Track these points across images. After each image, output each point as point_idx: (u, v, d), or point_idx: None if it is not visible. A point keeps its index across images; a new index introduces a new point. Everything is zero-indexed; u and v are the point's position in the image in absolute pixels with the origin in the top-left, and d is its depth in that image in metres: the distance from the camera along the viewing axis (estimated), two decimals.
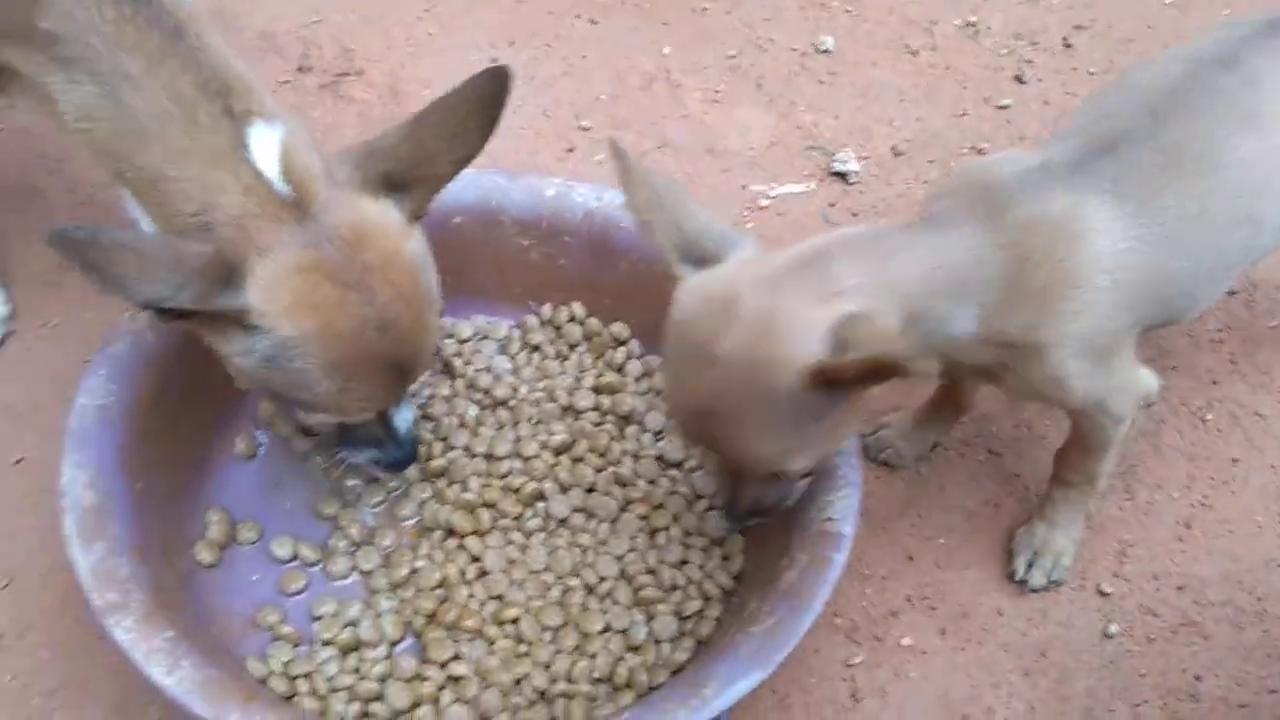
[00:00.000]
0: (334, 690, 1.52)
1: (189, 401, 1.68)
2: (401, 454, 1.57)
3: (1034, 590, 1.74)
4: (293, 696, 1.50)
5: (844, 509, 1.57)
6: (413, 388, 1.59)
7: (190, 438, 1.69)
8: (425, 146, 1.39)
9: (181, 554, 1.61)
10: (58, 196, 2.04)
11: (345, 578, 1.66)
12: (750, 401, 1.31)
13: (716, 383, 1.30)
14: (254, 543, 1.68)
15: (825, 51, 2.57)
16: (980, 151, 2.40)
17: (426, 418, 1.80)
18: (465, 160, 1.41)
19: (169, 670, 1.35)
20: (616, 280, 1.90)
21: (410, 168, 1.39)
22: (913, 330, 1.33)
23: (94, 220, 2.01)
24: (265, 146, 1.34)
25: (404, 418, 1.55)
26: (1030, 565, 1.73)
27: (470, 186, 1.88)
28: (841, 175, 2.33)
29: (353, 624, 1.59)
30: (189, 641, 1.40)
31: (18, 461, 1.76)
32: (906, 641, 1.71)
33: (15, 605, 1.63)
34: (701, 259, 1.39)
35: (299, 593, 1.64)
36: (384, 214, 1.39)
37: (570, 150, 2.31)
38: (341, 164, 1.39)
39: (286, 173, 1.33)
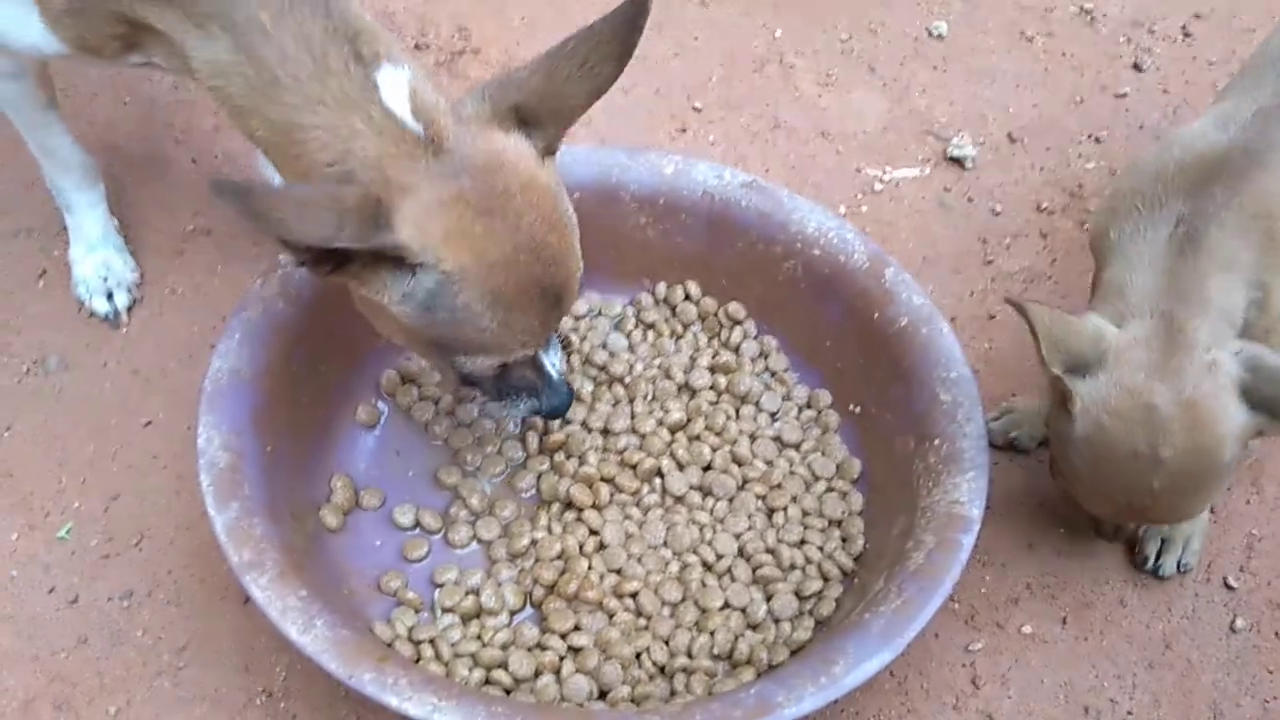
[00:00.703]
0: (458, 656, 1.53)
1: (314, 369, 1.70)
2: (560, 399, 1.54)
3: (1163, 577, 1.70)
4: (418, 660, 1.51)
5: (972, 491, 1.55)
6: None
7: (315, 404, 1.71)
8: (557, 77, 1.36)
9: (308, 517, 1.63)
10: (183, 166, 2.08)
11: (465, 546, 1.68)
12: (1202, 480, 1.47)
13: (1167, 479, 1.45)
14: (377, 509, 1.70)
15: (939, 36, 2.53)
16: (1098, 140, 2.35)
17: None
18: (598, 91, 1.39)
19: (304, 629, 1.37)
20: (733, 260, 1.89)
21: (541, 99, 1.37)
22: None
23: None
24: (395, 87, 1.33)
25: (554, 361, 1.53)
26: (1160, 552, 1.70)
27: (589, 162, 1.89)
28: (957, 160, 2.30)
29: (474, 592, 1.60)
30: (321, 601, 1.42)
31: (147, 424, 1.79)
32: (1027, 629, 1.68)
33: (147, 563, 1.66)
34: (1076, 363, 1.48)
35: (420, 560, 1.66)
36: (515, 144, 1.37)
37: (683, 130, 2.30)
38: (473, 98, 1.38)
39: (416, 111, 1.33)
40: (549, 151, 1.42)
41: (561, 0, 2.49)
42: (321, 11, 1.33)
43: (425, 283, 1.32)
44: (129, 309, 1.89)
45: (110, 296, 1.87)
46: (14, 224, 1.96)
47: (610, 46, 1.36)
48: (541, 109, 1.37)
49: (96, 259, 1.87)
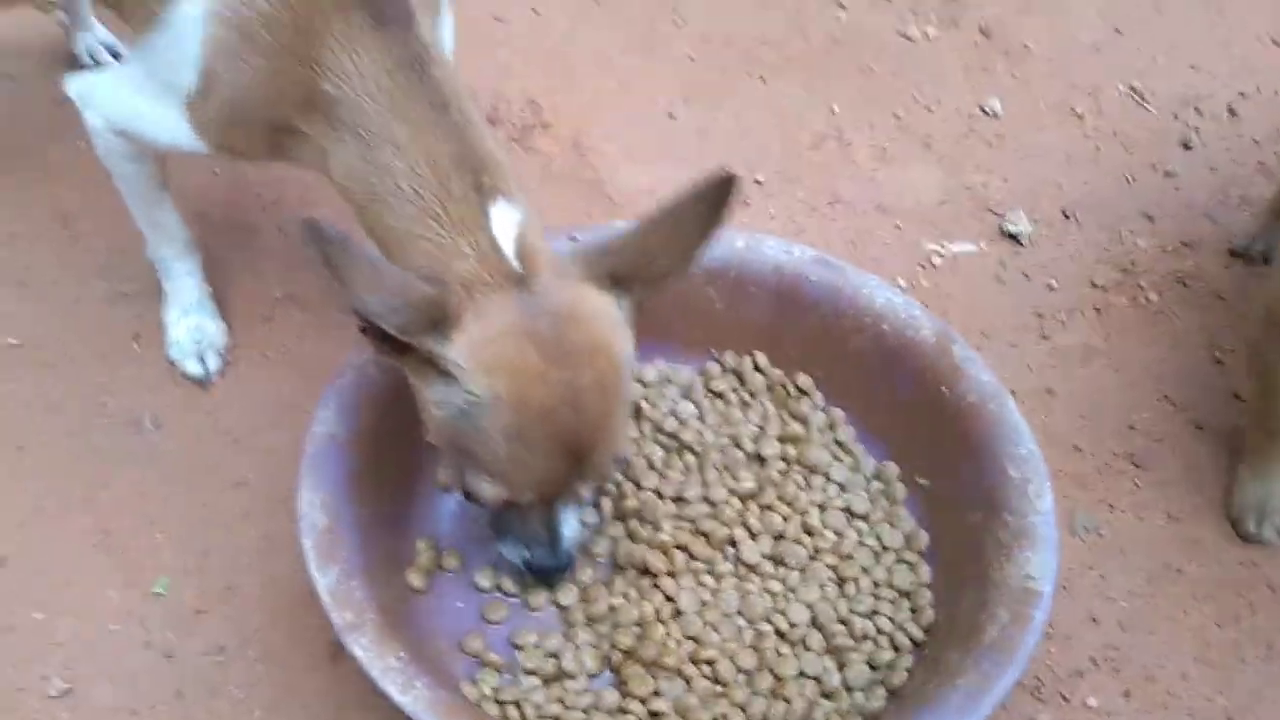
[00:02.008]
0: (542, 718, 1.57)
1: (400, 433, 1.75)
2: (554, 562, 1.58)
3: (1266, 543, 1.82)
4: None
5: (1043, 567, 1.59)
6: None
7: (401, 467, 1.77)
8: (648, 245, 1.44)
9: (395, 578, 1.68)
10: (271, 235, 2.16)
11: (543, 610, 1.72)
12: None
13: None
14: (457, 571, 1.75)
15: (992, 113, 2.61)
16: (1150, 218, 2.42)
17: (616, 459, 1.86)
18: (684, 261, 1.45)
19: (403, 689, 1.42)
20: (801, 332, 1.95)
21: (633, 264, 1.44)
22: None
23: (303, 256, 2.13)
24: (505, 222, 1.41)
25: (569, 524, 1.56)
26: (1260, 521, 1.76)
27: None
28: (1012, 236, 2.36)
29: (554, 655, 1.65)
30: (418, 664, 1.47)
31: (236, 484, 1.86)
32: (1092, 702, 1.72)
33: (237, 619, 1.72)
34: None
35: (500, 622, 1.71)
36: (602, 305, 1.43)
37: (745, 204, 2.37)
38: (573, 257, 1.46)
39: (520, 250, 1.41)
40: (637, 309, 1.47)
41: (625, 77, 2.58)
42: (454, 137, 1.42)
43: (458, 397, 1.39)
44: (219, 372, 1.96)
45: (202, 359, 1.95)
46: (110, 289, 2.04)
47: (698, 219, 1.42)
48: (633, 273, 1.44)
49: (190, 323, 1.94)
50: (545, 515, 1.53)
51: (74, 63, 2.36)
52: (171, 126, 1.57)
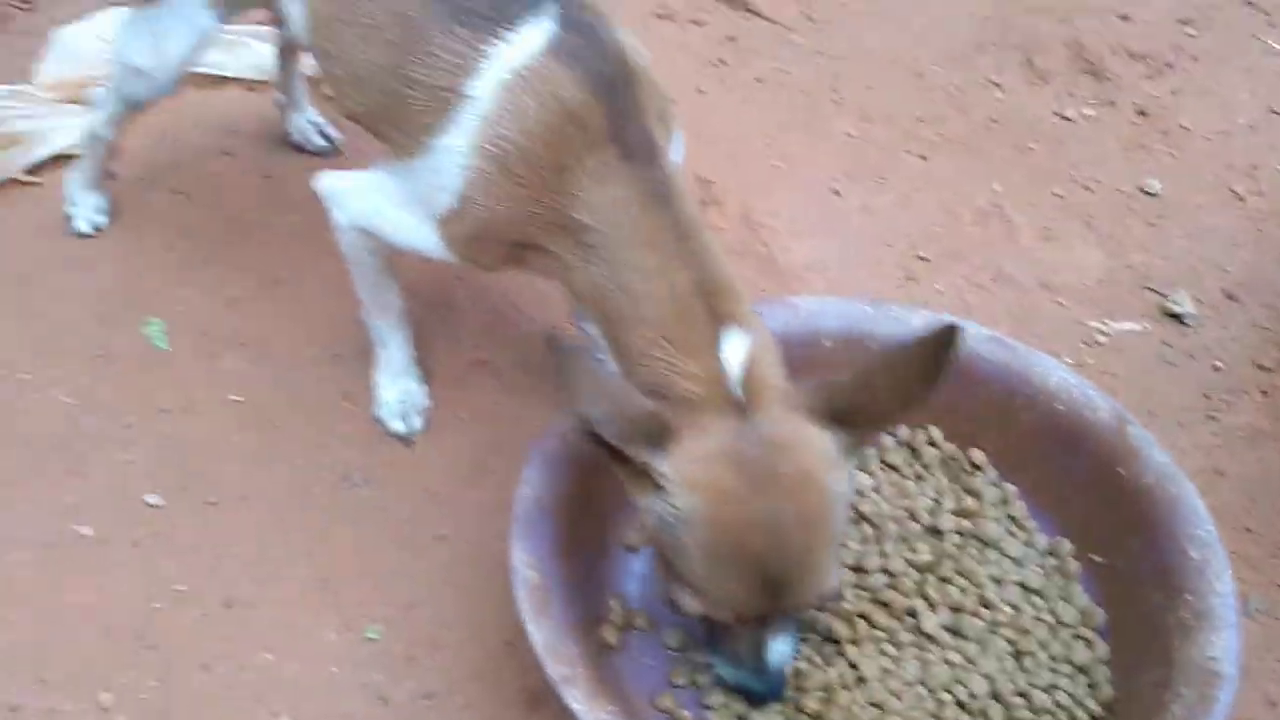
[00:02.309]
0: None
1: (597, 494, 1.87)
2: (759, 686, 1.60)
3: None
4: None
5: (1226, 649, 1.63)
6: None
7: (596, 527, 1.87)
8: (872, 389, 1.48)
9: (592, 635, 1.78)
10: (467, 306, 2.30)
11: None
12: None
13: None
14: (646, 630, 1.84)
15: (1152, 194, 2.66)
16: None
17: None
18: (905, 407, 1.51)
19: None
20: (975, 408, 2.02)
21: (854, 405, 1.48)
22: None
23: (493, 325, 2.27)
24: (735, 349, 1.50)
25: (778, 650, 1.58)
26: None
27: (837, 314, 2.05)
28: (1176, 316, 2.40)
29: (743, 717, 1.73)
30: (626, 717, 1.56)
31: (438, 538, 1.98)
32: None
33: (444, 667, 1.83)
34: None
35: (685, 686, 1.78)
36: (819, 441, 1.48)
37: (910, 278, 2.45)
38: (799, 392, 1.53)
39: (746, 379, 1.48)
40: (851, 450, 1.51)
41: (790, 155, 2.69)
42: (695, 265, 1.53)
43: (664, 509, 1.47)
44: (422, 432, 2.10)
45: (406, 420, 2.09)
46: (323, 351, 2.20)
47: (920, 368, 1.46)
48: (854, 413, 1.49)
49: (399, 387, 2.09)
50: (751, 637, 1.56)
51: (285, 140, 2.55)
52: (421, 237, 1.72)
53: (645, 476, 1.48)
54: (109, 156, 2.35)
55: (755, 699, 1.65)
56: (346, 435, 2.10)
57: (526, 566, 1.69)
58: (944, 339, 1.46)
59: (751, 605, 1.51)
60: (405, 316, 2.05)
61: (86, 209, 2.35)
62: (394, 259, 1.93)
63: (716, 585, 1.48)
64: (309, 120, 2.53)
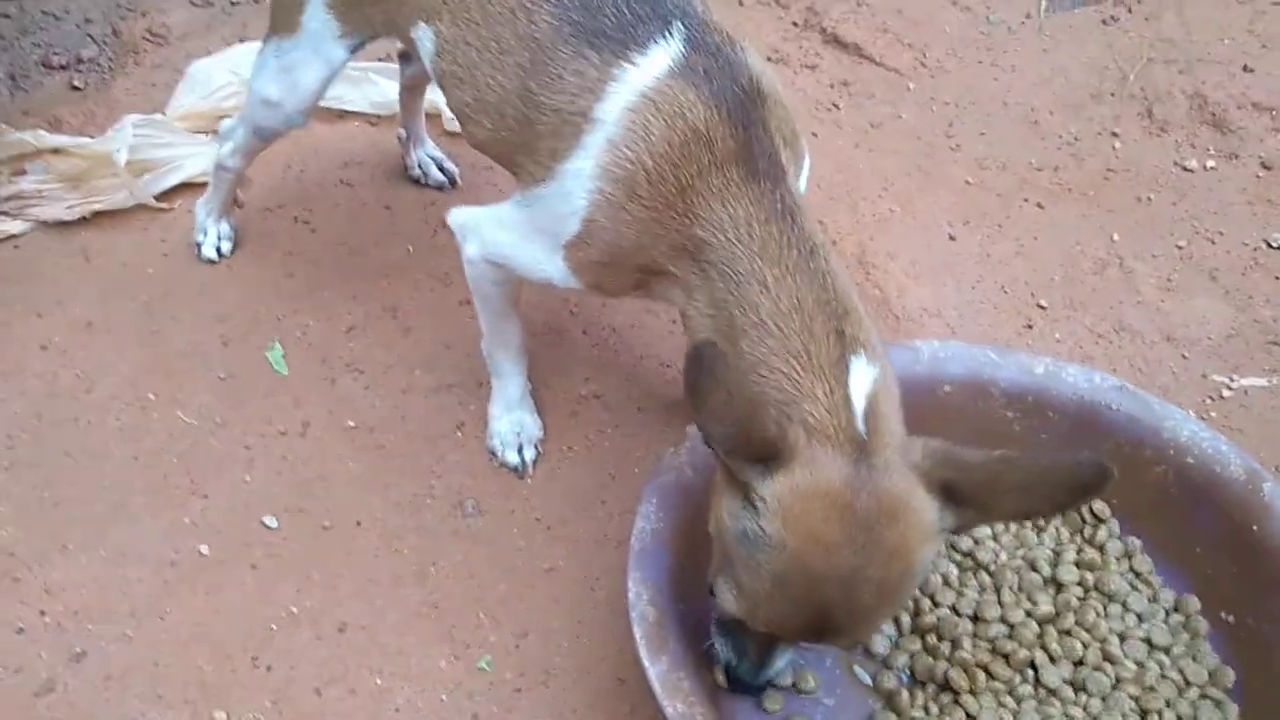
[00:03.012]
0: None
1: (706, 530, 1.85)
2: (751, 680, 1.63)
3: None
4: None
5: None
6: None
7: (705, 564, 1.85)
8: (997, 482, 1.41)
9: (704, 674, 1.76)
10: (576, 337, 2.31)
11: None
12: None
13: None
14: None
15: (1278, 248, 2.59)
16: None
17: None
18: (1026, 516, 1.49)
19: None
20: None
21: (974, 490, 1.41)
22: None
23: (605, 359, 2.28)
24: (861, 379, 1.46)
25: (782, 659, 1.61)
26: None
27: (961, 359, 2.02)
28: None
29: None
30: None
31: (549, 569, 1.98)
32: None
33: (554, 700, 1.82)
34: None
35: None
36: (926, 510, 1.42)
37: (1029, 326, 2.41)
38: (920, 448, 1.45)
39: (869, 414, 1.44)
40: (954, 530, 1.46)
41: (904, 199, 2.67)
42: (819, 284, 1.51)
43: (752, 525, 1.43)
44: (534, 463, 2.10)
45: (520, 451, 2.09)
46: (437, 380, 2.22)
47: (1056, 492, 1.39)
48: (969, 496, 1.42)
49: (513, 418, 2.09)
50: (763, 643, 1.58)
51: (404, 174, 2.60)
52: (547, 266, 1.72)
53: (740, 485, 1.45)
54: (237, 186, 2.40)
55: (738, 685, 1.65)
56: (459, 464, 2.11)
57: (645, 601, 1.68)
58: (1094, 479, 1.38)
59: (790, 633, 1.51)
60: (524, 350, 2.06)
61: (213, 236, 2.41)
62: (520, 294, 1.94)
63: (769, 606, 1.46)
64: (429, 154, 2.58)
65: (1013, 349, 2.06)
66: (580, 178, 1.63)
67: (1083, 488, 1.39)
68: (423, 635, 1.88)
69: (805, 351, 1.48)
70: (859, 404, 1.46)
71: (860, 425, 1.45)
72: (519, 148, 1.73)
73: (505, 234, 1.77)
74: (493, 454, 2.11)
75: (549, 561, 1.99)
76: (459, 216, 1.86)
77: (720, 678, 1.70)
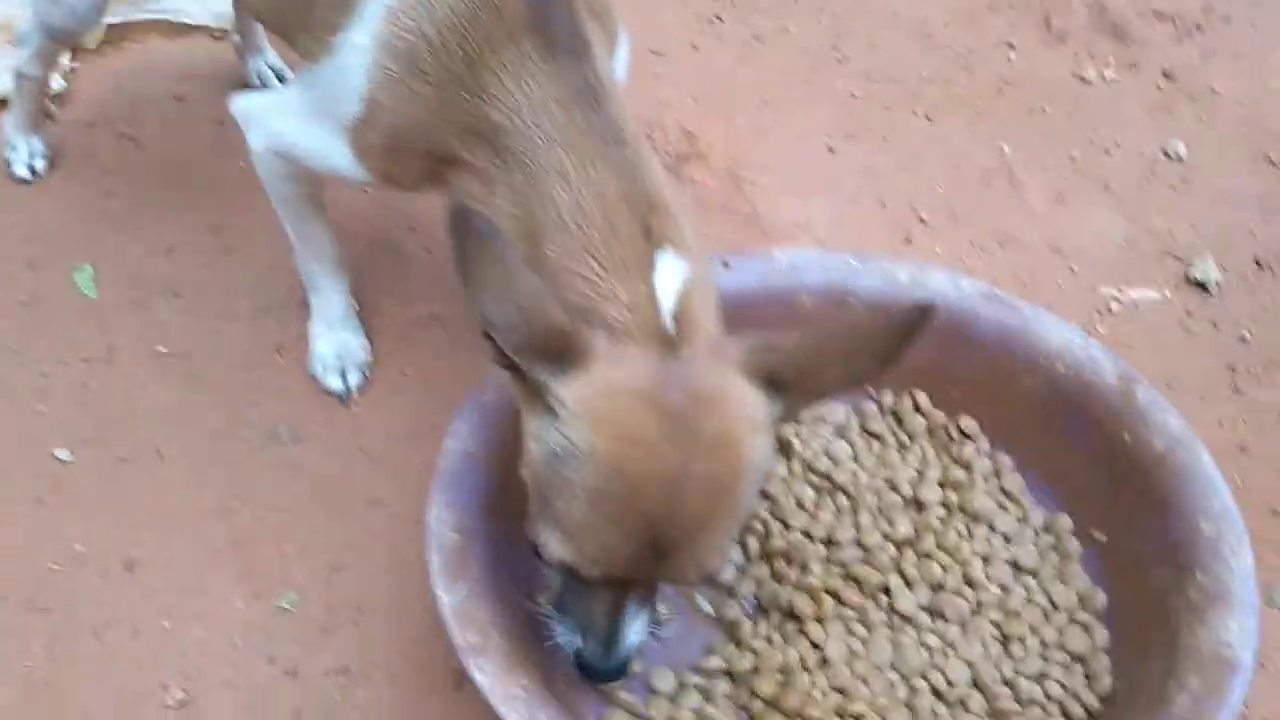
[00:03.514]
0: None
1: None
2: (604, 664, 1.38)
3: None
4: None
5: (1242, 633, 1.42)
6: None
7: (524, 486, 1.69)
8: (819, 357, 1.29)
9: (529, 603, 1.60)
10: (416, 255, 2.13)
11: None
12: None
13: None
14: None
15: (1176, 158, 2.45)
16: None
17: (764, 496, 1.75)
18: (852, 382, 1.31)
19: (525, 719, 1.33)
20: (967, 372, 1.82)
21: (797, 372, 1.28)
22: None
23: (447, 277, 2.09)
24: (670, 275, 1.29)
25: (635, 627, 1.37)
26: None
27: (820, 267, 1.85)
28: (1200, 284, 2.19)
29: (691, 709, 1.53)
30: (543, 693, 1.38)
31: (370, 501, 1.81)
32: None
33: (364, 640, 1.65)
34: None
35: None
36: (746, 398, 1.28)
37: (908, 241, 2.26)
38: (736, 344, 1.32)
39: (679, 310, 1.28)
40: (784, 419, 1.33)
41: (784, 110, 2.50)
42: (625, 174, 1.33)
43: (555, 438, 1.25)
44: (360, 388, 1.92)
45: (344, 375, 1.91)
46: (259, 302, 2.03)
47: (878, 346, 1.28)
48: (794, 380, 1.29)
49: (335, 338, 1.91)
50: (610, 605, 1.35)
51: (243, 85, 2.40)
52: (332, 152, 1.53)
53: (539, 397, 1.27)
54: (43, 96, 2.20)
55: (591, 675, 1.41)
56: (277, 390, 1.93)
57: (447, 528, 1.51)
58: (911, 319, 1.25)
59: (626, 566, 1.28)
60: (341, 261, 1.87)
61: (24, 152, 2.21)
62: (321, 193, 1.76)
63: (594, 535, 1.26)
64: (268, 63, 2.38)
65: (876, 256, 1.90)
66: (358, 51, 1.45)
67: (905, 330, 1.25)
68: (221, 573, 1.71)
69: (607, 250, 1.30)
70: (666, 302, 1.28)
71: (668, 323, 1.28)
72: (294, 20, 1.55)
73: (288, 120, 1.59)
74: (314, 379, 1.93)
75: (371, 493, 1.82)
76: (241, 104, 1.67)
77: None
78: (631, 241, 1.30)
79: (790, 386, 1.29)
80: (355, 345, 1.93)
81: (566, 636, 1.40)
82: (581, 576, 1.31)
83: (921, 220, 2.29)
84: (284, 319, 2.00)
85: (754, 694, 1.54)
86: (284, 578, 1.71)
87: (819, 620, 1.60)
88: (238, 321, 2.01)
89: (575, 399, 1.24)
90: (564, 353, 1.23)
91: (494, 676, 1.36)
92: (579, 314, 1.28)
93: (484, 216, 1.21)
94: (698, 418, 1.24)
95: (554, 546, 1.30)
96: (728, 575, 1.67)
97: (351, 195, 2.21)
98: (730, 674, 1.58)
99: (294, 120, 1.58)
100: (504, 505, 1.58)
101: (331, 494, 1.81)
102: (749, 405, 1.28)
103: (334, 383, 1.91)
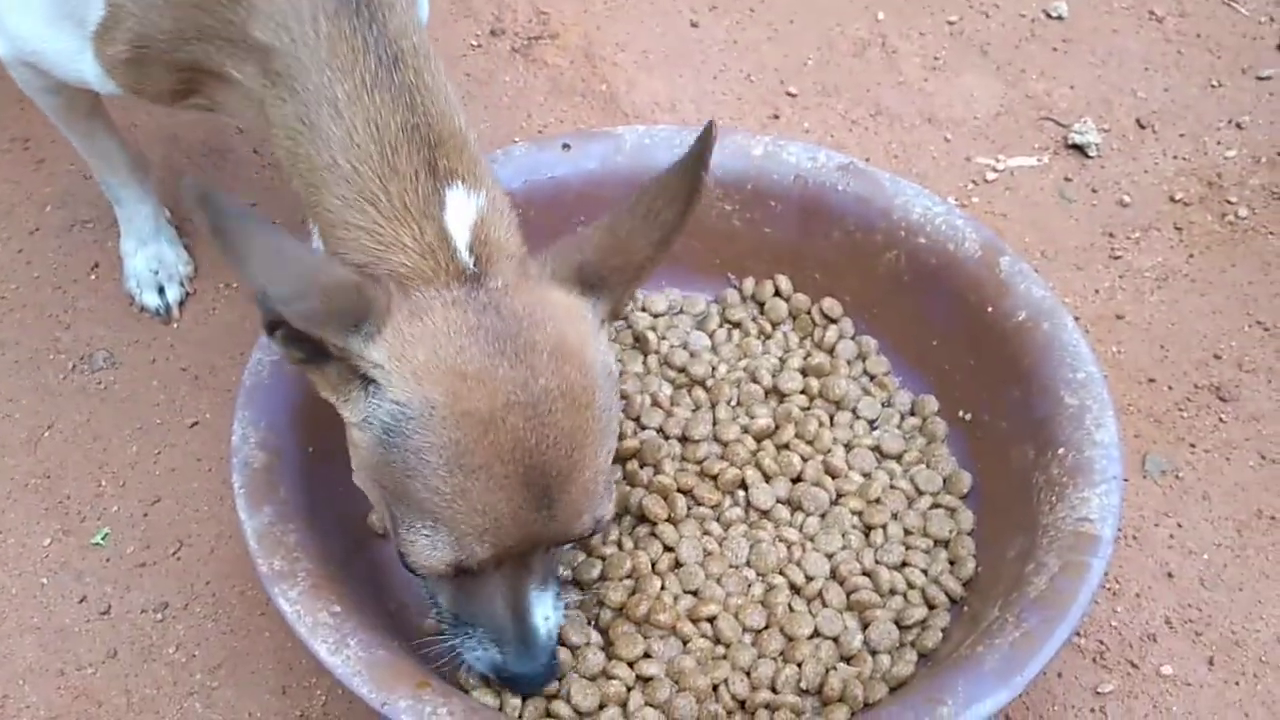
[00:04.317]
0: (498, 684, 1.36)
1: None
2: (530, 666, 1.23)
3: None
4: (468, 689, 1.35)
5: (1103, 508, 1.34)
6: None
7: None
8: (620, 231, 1.17)
9: (354, 523, 1.48)
10: (244, 157, 1.98)
11: None
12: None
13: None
14: None
15: (1057, 17, 2.33)
16: (1239, 126, 2.13)
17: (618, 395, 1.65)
18: (664, 241, 1.17)
19: (335, 648, 1.23)
20: (828, 251, 1.71)
21: (605, 257, 1.17)
22: None
23: (278, 185, 1.94)
24: (462, 212, 1.15)
25: (543, 613, 1.23)
26: None
27: (669, 144, 1.73)
28: (1079, 148, 2.09)
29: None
30: (358, 618, 1.27)
31: (193, 424, 1.68)
32: (1167, 670, 1.46)
33: (184, 573, 1.54)
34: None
35: None
36: (568, 303, 1.17)
37: (775, 117, 2.13)
38: (540, 257, 1.19)
39: (475, 244, 1.14)
40: (615, 316, 1.22)
41: None
42: (405, 103, 1.15)
43: (382, 410, 1.10)
44: (181, 304, 1.78)
45: (161, 291, 1.77)
46: (70, 216, 1.88)
47: (675, 189, 1.16)
48: (606, 267, 1.17)
49: (148, 252, 1.76)
50: (511, 595, 1.21)
51: None
52: (80, 63, 1.36)
53: (350, 374, 1.12)
54: None
55: (520, 685, 1.28)
56: (92, 311, 1.78)
57: (251, 445, 1.39)
58: (699, 140, 1.14)
59: (514, 525, 1.13)
60: (142, 167, 1.72)
61: None
62: (98, 101, 1.59)
63: (468, 502, 1.10)
64: None
65: (729, 129, 1.78)
66: None
67: (695, 160, 1.14)
68: (27, 510, 1.58)
69: (386, 195, 1.14)
70: (460, 238, 1.14)
71: (465, 258, 1.14)
72: None
73: (30, 23, 1.39)
74: (131, 297, 1.78)
75: (194, 415, 1.69)
76: None
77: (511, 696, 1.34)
78: (414, 183, 1.14)
79: (606, 277, 1.18)
80: (171, 257, 1.78)
81: (477, 652, 1.25)
82: (470, 568, 1.16)
83: (790, 95, 2.17)
84: (99, 234, 1.85)
85: (602, 603, 1.44)
86: (97, 511, 1.59)
87: (671, 521, 1.51)
88: (48, 239, 1.86)
89: (389, 356, 1.09)
90: (362, 311, 1.08)
91: (301, 604, 1.25)
92: (362, 271, 1.13)
93: (230, 197, 1.03)
94: (526, 334, 1.11)
95: (427, 550, 1.14)
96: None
97: None
98: (579, 583, 1.48)
99: (38, 23, 1.38)
100: (319, 420, 1.45)
101: (151, 420, 1.68)
102: (573, 310, 1.17)
103: (151, 300, 1.77)
